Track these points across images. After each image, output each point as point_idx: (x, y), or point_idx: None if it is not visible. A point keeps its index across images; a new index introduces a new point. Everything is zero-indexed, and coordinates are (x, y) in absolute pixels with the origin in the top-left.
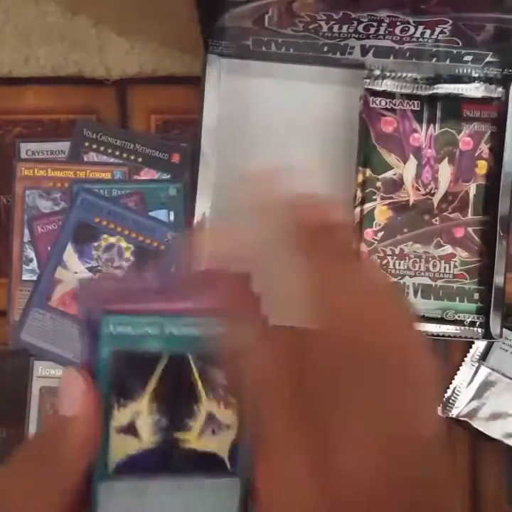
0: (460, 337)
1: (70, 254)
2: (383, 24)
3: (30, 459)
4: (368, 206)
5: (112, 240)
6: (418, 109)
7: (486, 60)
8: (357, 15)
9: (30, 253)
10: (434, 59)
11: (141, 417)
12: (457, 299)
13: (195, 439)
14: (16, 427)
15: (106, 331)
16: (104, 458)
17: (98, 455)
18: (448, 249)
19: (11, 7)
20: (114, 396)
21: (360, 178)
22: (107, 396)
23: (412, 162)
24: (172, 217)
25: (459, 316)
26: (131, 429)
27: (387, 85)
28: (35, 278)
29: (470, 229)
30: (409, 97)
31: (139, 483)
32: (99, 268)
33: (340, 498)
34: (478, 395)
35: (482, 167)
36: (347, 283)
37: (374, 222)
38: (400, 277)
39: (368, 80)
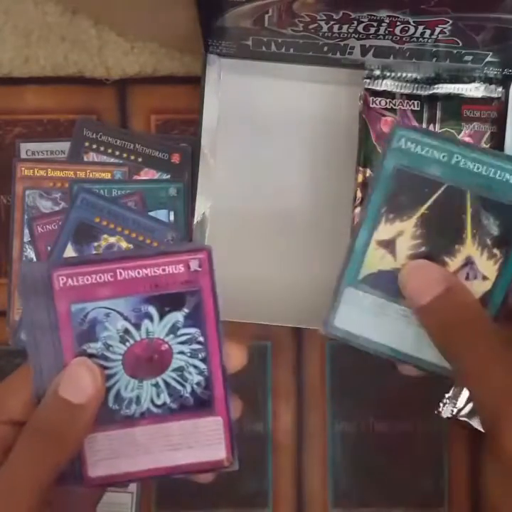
0: None
1: (69, 254)
2: (383, 24)
3: (30, 437)
4: None
5: (112, 239)
6: (418, 109)
7: (486, 60)
8: (357, 15)
9: (30, 253)
10: (434, 59)
11: (403, 237)
12: None
13: None
14: None
15: (395, 144)
16: (357, 265)
17: (351, 262)
18: None
19: (11, 7)
20: (385, 209)
21: (360, 178)
22: (378, 207)
23: None
24: (172, 217)
25: None
26: (390, 246)
27: (387, 85)
28: None
29: None
30: (409, 97)
31: (382, 300)
32: None
33: None
34: None
35: None
36: None
37: None
38: None
39: (368, 80)
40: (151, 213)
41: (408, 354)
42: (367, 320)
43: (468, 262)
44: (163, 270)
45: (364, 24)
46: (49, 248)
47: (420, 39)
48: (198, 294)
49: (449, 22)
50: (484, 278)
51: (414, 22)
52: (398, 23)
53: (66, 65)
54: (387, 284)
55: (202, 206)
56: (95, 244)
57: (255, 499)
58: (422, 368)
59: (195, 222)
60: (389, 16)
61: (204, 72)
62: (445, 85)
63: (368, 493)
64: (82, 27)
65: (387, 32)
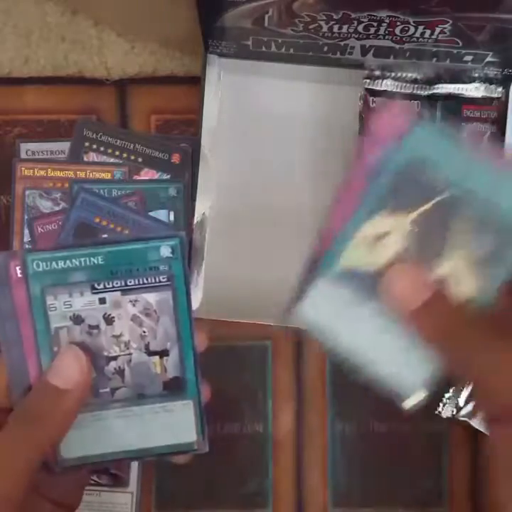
0: None
1: None
2: (383, 24)
3: (18, 420)
4: None
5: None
6: (418, 109)
7: (486, 60)
8: (357, 15)
9: None
10: (434, 59)
11: (395, 234)
12: None
13: None
14: None
15: (413, 139)
16: (336, 256)
17: (330, 252)
18: None
19: (11, 7)
20: (383, 202)
21: None
22: (376, 198)
23: None
24: (172, 217)
25: None
26: (379, 242)
27: (387, 85)
28: None
29: None
30: (409, 97)
31: (355, 297)
32: None
33: None
34: None
35: None
36: None
37: None
38: None
39: (367, 80)
40: (151, 213)
41: (367, 358)
42: (335, 314)
43: (451, 274)
44: None
45: (364, 24)
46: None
47: (420, 39)
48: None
49: (449, 22)
50: (463, 293)
51: (414, 22)
52: (398, 23)
53: (66, 65)
54: (365, 282)
55: (202, 206)
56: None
57: (255, 499)
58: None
59: (195, 222)
60: (389, 16)
61: (204, 72)
62: (445, 85)
63: (368, 493)
64: (82, 27)
65: (387, 32)
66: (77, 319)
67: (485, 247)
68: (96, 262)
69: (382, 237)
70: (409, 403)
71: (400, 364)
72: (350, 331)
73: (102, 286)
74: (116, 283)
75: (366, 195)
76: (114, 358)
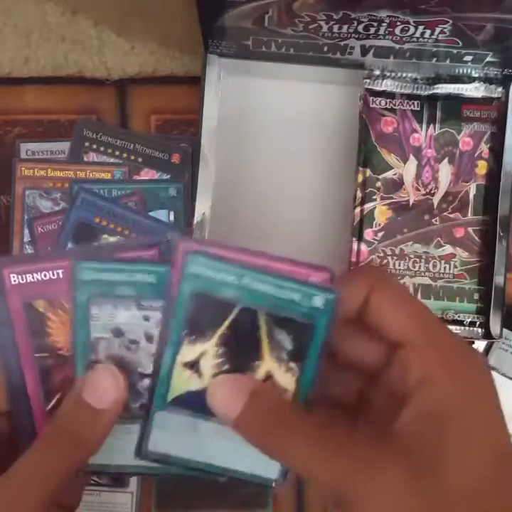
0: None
1: None
2: (383, 24)
3: (55, 437)
4: (368, 206)
5: (112, 240)
6: (418, 109)
7: (486, 60)
8: (357, 15)
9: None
10: (434, 59)
11: (207, 357)
12: (457, 299)
13: None
14: None
15: (190, 269)
16: (164, 389)
17: (158, 386)
18: (448, 249)
19: (11, 7)
20: (186, 332)
21: (360, 178)
22: (178, 330)
23: (412, 162)
24: (172, 217)
25: (458, 316)
26: (195, 367)
27: (387, 85)
28: None
29: (470, 229)
30: (409, 97)
31: (192, 419)
32: None
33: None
34: None
35: (482, 167)
36: None
37: (374, 223)
38: (400, 277)
39: (367, 80)
40: (151, 213)
41: (223, 467)
42: (180, 440)
43: (268, 377)
44: None
45: (364, 24)
46: (49, 248)
47: (420, 39)
48: None
49: (449, 22)
50: (284, 391)
51: (414, 22)
52: (398, 23)
53: (66, 65)
54: (197, 403)
55: (202, 206)
56: (95, 244)
57: (255, 499)
58: (238, 478)
59: (195, 222)
60: (389, 16)
61: (204, 72)
62: (445, 85)
63: None
64: (82, 27)
65: (387, 32)
66: (118, 332)
67: (289, 344)
68: (147, 280)
69: (197, 361)
70: (274, 486)
71: (252, 466)
72: (199, 451)
73: (148, 304)
74: (164, 304)
75: (170, 327)
76: (148, 376)
